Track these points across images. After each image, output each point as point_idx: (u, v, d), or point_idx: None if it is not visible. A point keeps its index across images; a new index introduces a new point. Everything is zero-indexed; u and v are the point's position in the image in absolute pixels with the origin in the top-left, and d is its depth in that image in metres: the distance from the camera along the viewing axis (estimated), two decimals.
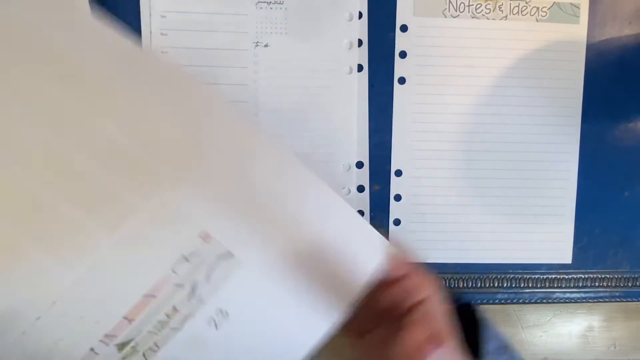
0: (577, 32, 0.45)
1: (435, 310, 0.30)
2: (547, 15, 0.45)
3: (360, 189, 0.45)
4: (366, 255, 0.32)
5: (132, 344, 0.29)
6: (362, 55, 0.44)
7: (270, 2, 0.43)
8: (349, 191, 0.45)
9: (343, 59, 0.44)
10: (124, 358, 0.29)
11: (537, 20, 0.45)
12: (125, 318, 0.28)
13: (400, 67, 0.45)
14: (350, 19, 0.44)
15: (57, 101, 0.29)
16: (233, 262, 0.30)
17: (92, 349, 0.28)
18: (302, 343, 0.31)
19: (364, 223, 0.32)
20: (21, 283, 0.27)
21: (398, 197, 0.45)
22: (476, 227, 0.46)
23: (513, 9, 0.45)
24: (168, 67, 0.32)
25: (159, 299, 0.29)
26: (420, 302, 0.30)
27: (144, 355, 0.29)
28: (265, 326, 0.31)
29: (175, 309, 0.29)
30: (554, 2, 0.45)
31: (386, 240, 0.32)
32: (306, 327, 0.31)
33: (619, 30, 0.46)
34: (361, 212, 0.45)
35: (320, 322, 0.31)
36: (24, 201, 0.28)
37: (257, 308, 0.31)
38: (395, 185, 0.45)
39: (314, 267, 0.31)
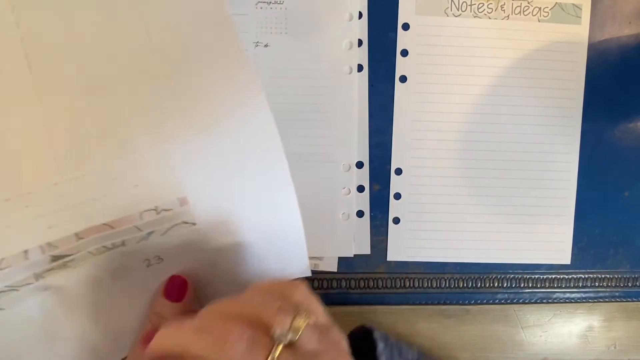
0: (579, 32, 0.45)
1: None
2: (549, 15, 0.45)
3: (360, 189, 0.45)
4: (289, 264, 0.36)
5: (67, 259, 0.30)
6: (362, 55, 0.44)
7: (270, 2, 0.42)
8: (349, 191, 0.45)
9: (343, 59, 0.44)
10: (49, 270, 0.30)
11: (539, 21, 0.45)
12: (75, 235, 0.30)
13: (401, 66, 0.45)
14: (350, 19, 0.43)
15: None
16: (192, 230, 0.33)
17: (25, 252, 0.29)
18: None
19: (303, 240, 0.35)
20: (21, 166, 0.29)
21: (398, 196, 0.45)
22: (476, 226, 0.46)
23: (515, 8, 0.45)
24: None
25: (115, 231, 0.31)
26: None
27: (66, 267, 0.31)
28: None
29: (123, 244, 0.31)
30: (556, 3, 0.45)
31: (307, 263, 0.35)
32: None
33: (619, 31, 0.46)
34: (361, 212, 0.45)
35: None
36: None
37: (188, 263, 0.34)
38: (395, 184, 0.45)
39: (249, 256, 0.34)
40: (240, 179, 0.32)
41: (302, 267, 0.36)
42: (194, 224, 0.32)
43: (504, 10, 0.45)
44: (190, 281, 0.33)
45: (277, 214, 0.34)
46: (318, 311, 0.27)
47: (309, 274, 0.35)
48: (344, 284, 0.45)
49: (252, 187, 0.33)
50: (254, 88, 0.32)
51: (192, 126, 0.31)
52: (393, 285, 0.46)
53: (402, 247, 0.46)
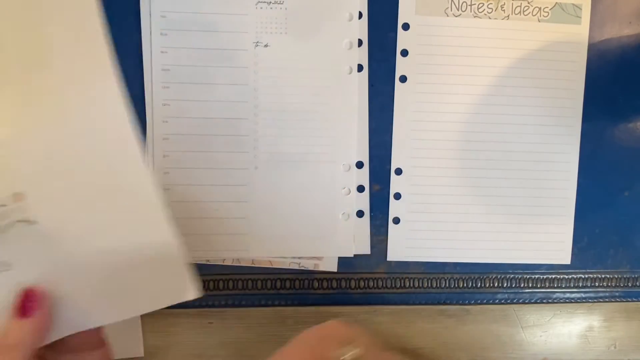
0: (579, 32, 0.45)
1: None
2: (549, 15, 0.45)
3: (360, 189, 0.45)
4: (169, 284, 0.32)
5: None
6: (362, 55, 0.44)
7: (270, 2, 0.42)
8: (349, 191, 0.45)
9: (343, 59, 0.44)
10: None
11: (539, 21, 0.45)
12: None
13: (401, 65, 0.45)
14: (350, 19, 0.43)
15: None
16: (33, 229, 0.29)
17: None
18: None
19: (180, 259, 0.32)
20: None
21: (398, 196, 0.45)
22: (476, 226, 0.46)
23: (515, 8, 0.45)
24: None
25: None
26: None
27: None
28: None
29: None
30: (556, 3, 0.45)
31: (194, 288, 0.32)
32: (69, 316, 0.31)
33: (619, 31, 0.46)
34: (361, 212, 0.45)
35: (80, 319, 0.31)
36: None
37: (45, 273, 0.30)
38: (395, 184, 0.45)
39: (106, 266, 0.31)
40: (93, 179, 0.30)
41: (183, 287, 0.32)
42: (34, 222, 0.29)
43: (504, 10, 0.45)
44: (44, 294, 0.29)
45: (142, 221, 0.31)
46: (367, 340, 0.31)
47: (198, 295, 0.32)
48: (344, 284, 0.45)
49: (106, 187, 0.30)
50: (107, 78, 0.30)
51: (33, 117, 0.29)
52: (393, 285, 0.46)
53: (402, 247, 0.46)
